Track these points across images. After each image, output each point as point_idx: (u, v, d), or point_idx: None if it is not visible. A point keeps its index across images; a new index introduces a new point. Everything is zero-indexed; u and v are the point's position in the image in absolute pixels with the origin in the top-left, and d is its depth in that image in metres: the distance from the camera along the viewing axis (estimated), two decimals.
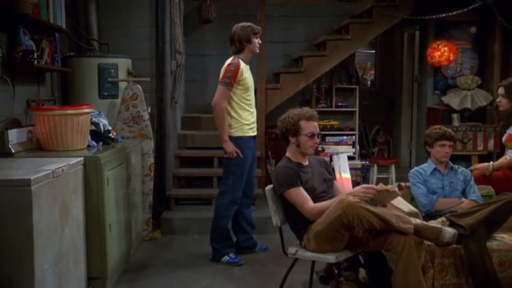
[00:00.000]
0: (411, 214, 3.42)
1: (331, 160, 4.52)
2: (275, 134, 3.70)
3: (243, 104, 4.47)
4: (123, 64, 5.28)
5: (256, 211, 5.72)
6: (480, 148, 6.72)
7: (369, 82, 10.44)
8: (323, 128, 6.93)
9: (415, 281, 3.10)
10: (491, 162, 4.25)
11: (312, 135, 3.45)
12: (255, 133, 4.65)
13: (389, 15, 6.50)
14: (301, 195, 3.33)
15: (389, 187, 3.32)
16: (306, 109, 3.56)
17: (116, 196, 4.11)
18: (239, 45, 4.49)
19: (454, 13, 6.12)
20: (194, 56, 7.37)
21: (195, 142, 6.42)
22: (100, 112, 4.56)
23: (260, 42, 4.63)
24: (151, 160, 5.24)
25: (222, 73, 4.45)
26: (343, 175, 3.86)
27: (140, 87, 5.15)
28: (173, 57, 5.95)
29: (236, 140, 4.47)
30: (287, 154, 3.56)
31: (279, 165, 3.55)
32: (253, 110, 4.60)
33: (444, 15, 6.30)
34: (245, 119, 4.49)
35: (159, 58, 5.64)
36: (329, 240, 3.21)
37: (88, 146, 4.15)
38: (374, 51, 9.90)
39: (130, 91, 5.10)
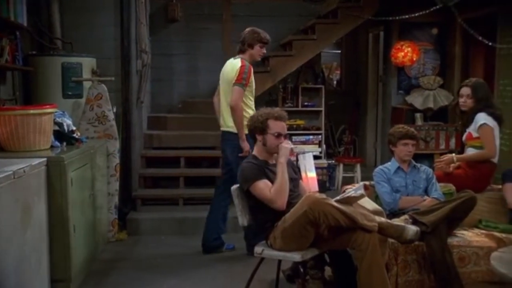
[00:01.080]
0: (375, 212, 3.46)
1: (297, 159, 4.55)
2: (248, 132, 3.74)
3: (248, 104, 4.58)
4: (88, 63, 5.21)
5: None
6: (442, 146, 6.86)
7: (335, 82, 10.56)
8: (289, 127, 6.94)
9: (379, 278, 3.15)
10: (454, 154, 4.34)
11: (278, 135, 3.47)
12: None
13: (353, 15, 6.58)
14: (266, 186, 3.35)
15: (353, 188, 3.35)
16: (276, 109, 3.60)
17: (81, 197, 4.06)
18: (241, 46, 4.61)
19: (416, 14, 6.24)
20: (160, 55, 7.31)
21: (162, 142, 6.38)
22: (63, 112, 4.48)
23: (265, 52, 4.70)
24: (116, 160, 5.19)
25: (236, 75, 4.48)
26: (309, 174, 3.90)
27: (105, 86, 5.08)
28: (139, 56, 5.90)
29: (246, 138, 4.51)
30: (254, 152, 3.58)
31: (244, 161, 3.57)
32: (254, 110, 4.67)
33: (407, 16, 6.41)
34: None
35: (125, 58, 5.59)
36: (295, 237, 3.23)
37: (52, 146, 4.08)
38: (339, 51, 10.02)
39: (95, 90, 5.04)
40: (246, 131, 4.44)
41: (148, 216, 5.59)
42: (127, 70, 5.60)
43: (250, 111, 4.54)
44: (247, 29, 4.64)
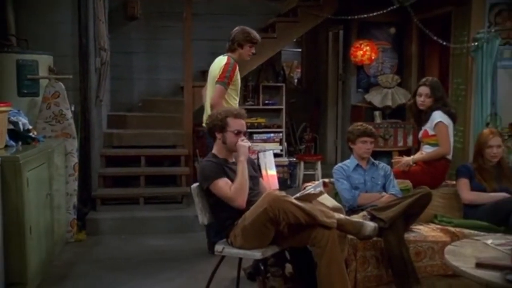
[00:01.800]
0: (335, 209, 3.51)
1: (258, 157, 4.57)
2: (203, 132, 3.70)
3: (232, 103, 4.53)
4: (44, 60, 5.10)
5: (184, 209, 5.72)
6: (400, 144, 7.01)
7: (295, 80, 10.65)
8: (250, 125, 7.00)
9: (339, 274, 3.18)
10: (411, 157, 4.43)
11: (238, 133, 3.47)
12: None
13: (313, 14, 6.64)
14: (226, 184, 3.35)
15: (312, 185, 3.38)
16: (234, 107, 3.62)
17: (37, 197, 3.97)
18: (231, 44, 4.57)
19: (374, 14, 6.35)
20: (120, 53, 7.22)
21: (122, 141, 6.30)
22: (19, 110, 4.37)
23: (254, 52, 4.67)
24: (75, 159, 5.10)
25: (219, 72, 4.46)
26: (269, 172, 3.93)
27: (62, 84, 4.99)
28: (98, 54, 5.80)
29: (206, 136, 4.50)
30: (213, 150, 3.57)
31: (204, 160, 3.57)
32: None
33: (365, 15, 6.52)
34: None
35: (83, 55, 5.49)
36: (256, 235, 3.24)
37: (6, 146, 3.97)
38: (300, 50, 10.11)
39: (52, 89, 4.93)
40: None
41: (108, 216, 5.52)
42: (85, 68, 5.50)
43: None
44: (237, 28, 4.61)
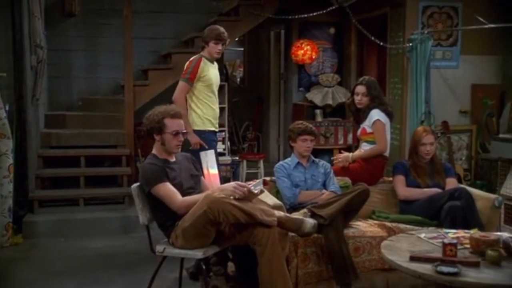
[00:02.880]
0: (275, 207, 3.56)
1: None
2: (144, 131, 3.66)
3: (205, 100, 4.54)
4: None
5: (126, 210, 5.64)
6: (341, 142, 7.16)
7: (238, 79, 10.68)
8: None
9: (279, 272, 3.22)
10: (350, 153, 4.54)
11: (176, 133, 3.45)
12: (217, 128, 4.72)
13: (254, 13, 6.69)
14: (169, 190, 3.33)
15: (252, 183, 3.41)
16: (171, 107, 3.55)
17: None
18: (202, 43, 4.62)
19: (314, 14, 6.46)
20: (58, 51, 7.04)
21: (60, 141, 6.14)
22: None
23: (221, 48, 4.63)
24: (10, 160, 4.94)
25: (184, 70, 4.55)
26: (211, 171, 3.93)
27: None
28: (33, 51, 5.63)
29: (199, 134, 4.49)
30: (153, 151, 3.52)
31: (145, 162, 3.52)
32: (216, 106, 4.66)
33: (305, 15, 6.62)
34: (207, 114, 4.56)
35: (17, 53, 5.32)
36: (196, 236, 3.24)
37: None
38: (242, 49, 10.14)
39: None
40: (206, 128, 4.53)
41: (46, 218, 5.38)
42: (20, 65, 5.33)
43: (207, 108, 4.55)
44: (209, 27, 4.68)
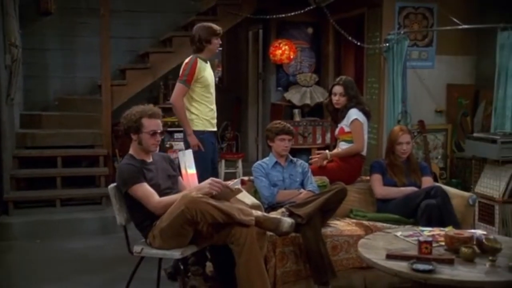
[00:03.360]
0: (253, 206, 3.56)
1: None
2: (122, 131, 3.64)
3: (202, 101, 4.52)
4: None
5: (104, 210, 5.60)
6: (319, 141, 7.20)
7: (216, 79, 10.64)
8: (171, 124, 6.94)
9: (257, 271, 3.23)
10: (327, 151, 4.57)
11: (154, 133, 3.43)
12: (215, 128, 4.71)
13: (232, 13, 6.69)
14: (146, 191, 3.32)
15: (230, 183, 3.42)
16: (149, 107, 3.53)
17: None
18: (199, 45, 4.53)
19: (292, 13, 6.49)
20: (33, 50, 6.96)
21: (36, 141, 6.07)
22: None
23: (220, 42, 4.69)
24: None
25: (180, 72, 4.51)
26: (189, 171, 3.91)
27: None
28: (8, 50, 5.55)
29: (197, 135, 4.50)
30: (130, 151, 3.50)
31: (122, 162, 3.50)
32: (213, 106, 4.64)
33: (283, 15, 6.65)
34: (205, 114, 4.55)
35: None
36: (174, 236, 3.24)
37: None
38: (220, 49, 10.11)
39: None
40: (205, 128, 4.53)
41: (22, 220, 5.32)
42: None
43: (204, 108, 4.53)
44: (196, 27, 4.60)
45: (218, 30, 4.60)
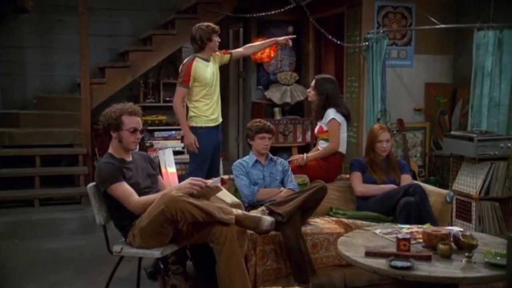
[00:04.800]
0: (234, 205, 3.56)
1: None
2: (101, 129, 3.62)
3: (201, 99, 4.63)
4: None
5: (83, 210, 5.56)
6: (299, 140, 7.22)
7: None
8: (151, 123, 6.92)
9: (238, 270, 3.23)
10: (305, 154, 4.60)
11: (134, 131, 3.42)
12: (216, 123, 4.76)
13: (212, 11, 6.68)
14: (125, 190, 3.30)
15: (210, 182, 3.42)
16: (129, 104, 3.52)
17: None
18: (200, 43, 4.61)
19: (272, 12, 6.50)
20: (11, 48, 6.88)
21: (14, 140, 5.99)
22: None
23: (220, 40, 4.78)
24: None
25: (178, 74, 4.69)
26: (169, 169, 3.91)
27: None
28: None
29: (195, 130, 4.64)
30: (110, 150, 3.49)
31: (101, 161, 3.48)
32: (213, 103, 4.70)
33: (263, 14, 6.66)
34: (203, 112, 4.65)
35: None
36: (154, 235, 3.23)
37: None
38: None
39: None
40: (203, 124, 4.63)
41: (0, 220, 5.24)
42: None
43: (202, 105, 4.63)
44: (196, 27, 4.66)
45: (217, 28, 4.70)
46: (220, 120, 4.84)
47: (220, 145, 4.94)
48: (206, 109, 4.66)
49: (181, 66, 4.67)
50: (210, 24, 4.70)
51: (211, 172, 4.74)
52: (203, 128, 4.65)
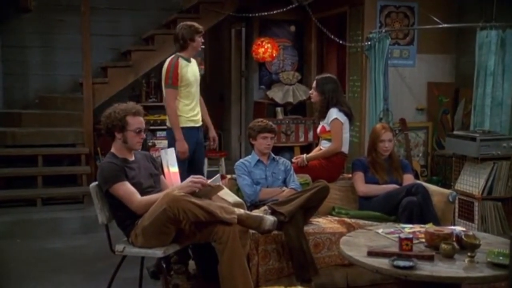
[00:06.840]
0: (236, 204, 3.57)
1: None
2: (104, 130, 3.62)
3: (181, 99, 4.55)
4: None
5: (85, 209, 5.56)
6: (302, 139, 7.22)
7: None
8: (153, 123, 6.93)
9: (240, 269, 3.24)
10: (305, 155, 4.59)
11: (139, 131, 3.42)
12: (197, 124, 4.69)
13: (215, 11, 6.68)
14: (127, 189, 3.30)
15: (210, 180, 3.42)
16: (131, 104, 3.52)
17: None
18: (183, 43, 4.56)
19: (274, 12, 6.50)
20: (12, 48, 6.89)
21: (16, 140, 6.00)
22: None
23: (203, 40, 4.73)
24: None
25: (164, 75, 4.53)
26: (171, 169, 3.90)
27: None
28: None
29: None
30: (112, 150, 3.48)
31: (104, 161, 3.48)
32: (193, 103, 4.63)
33: (266, 13, 6.66)
34: (184, 112, 4.57)
35: None
36: (156, 235, 3.23)
37: None
38: (203, 47, 10.09)
39: None
40: (183, 124, 4.53)
41: (2, 219, 5.27)
42: None
43: (183, 106, 4.55)
44: (180, 26, 4.63)
45: (200, 28, 4.63)
46: (201, 122, 4.76)
47: (202, 145, 4.86)
48: (187, 110, 4.58)
49: (166, 67, 4.53)
50: (194, 24, 4.63)
51: (194, 173, 4.70)
52: (183, 128, 4.55)
